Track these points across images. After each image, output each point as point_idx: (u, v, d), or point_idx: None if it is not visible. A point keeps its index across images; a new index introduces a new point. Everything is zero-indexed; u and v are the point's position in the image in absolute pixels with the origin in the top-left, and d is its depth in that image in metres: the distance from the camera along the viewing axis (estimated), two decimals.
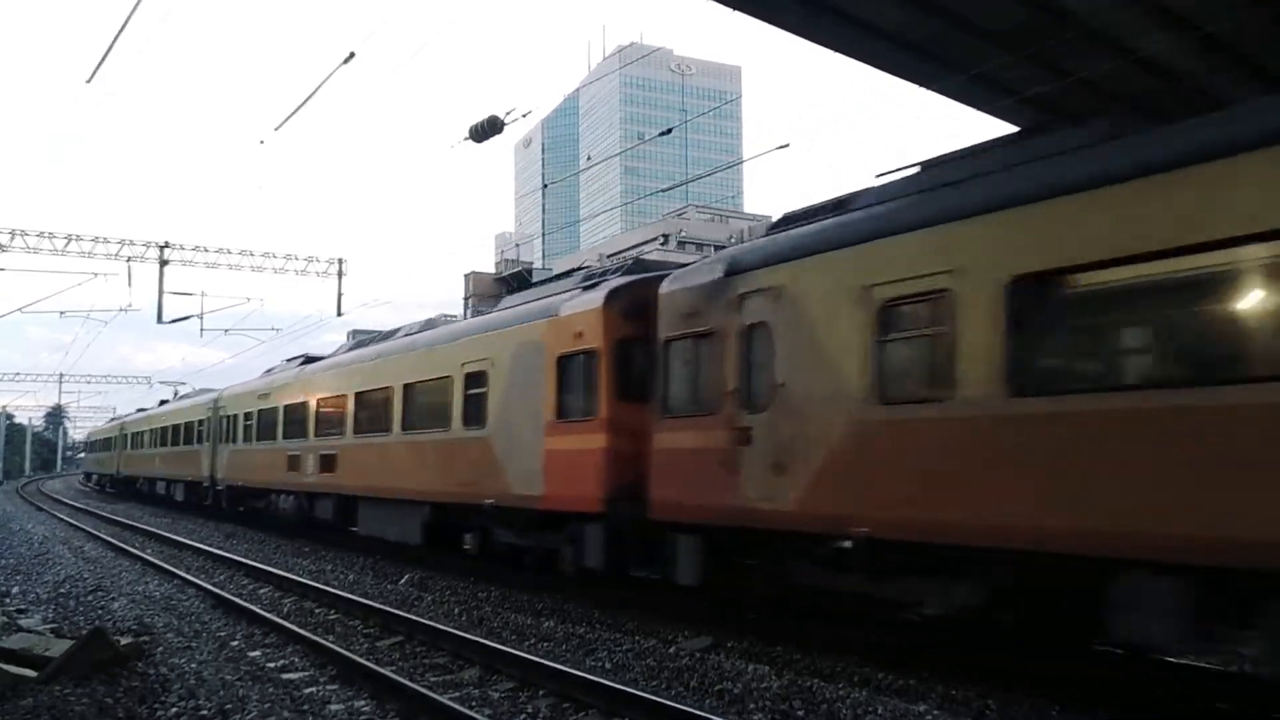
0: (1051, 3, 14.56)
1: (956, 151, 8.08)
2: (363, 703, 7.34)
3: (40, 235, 30.26)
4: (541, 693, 7.44)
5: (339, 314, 33.74)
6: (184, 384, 45.95)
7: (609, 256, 67.66)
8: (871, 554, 7.49)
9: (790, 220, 9.36)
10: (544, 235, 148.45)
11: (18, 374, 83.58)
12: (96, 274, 30.53)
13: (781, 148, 20.81)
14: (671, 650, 8.77)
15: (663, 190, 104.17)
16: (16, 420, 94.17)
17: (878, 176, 8.64)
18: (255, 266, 33.88)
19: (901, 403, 7.45)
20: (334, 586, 13.09)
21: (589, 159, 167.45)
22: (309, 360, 22.83)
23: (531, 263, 75.23)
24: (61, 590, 13.61)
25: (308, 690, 7.76)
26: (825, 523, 7.89)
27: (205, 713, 7.04)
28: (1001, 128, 19.18)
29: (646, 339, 10.21)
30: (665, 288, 10.08)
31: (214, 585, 13.57)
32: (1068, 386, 6.57)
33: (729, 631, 9.48)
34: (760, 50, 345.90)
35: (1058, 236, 6.41)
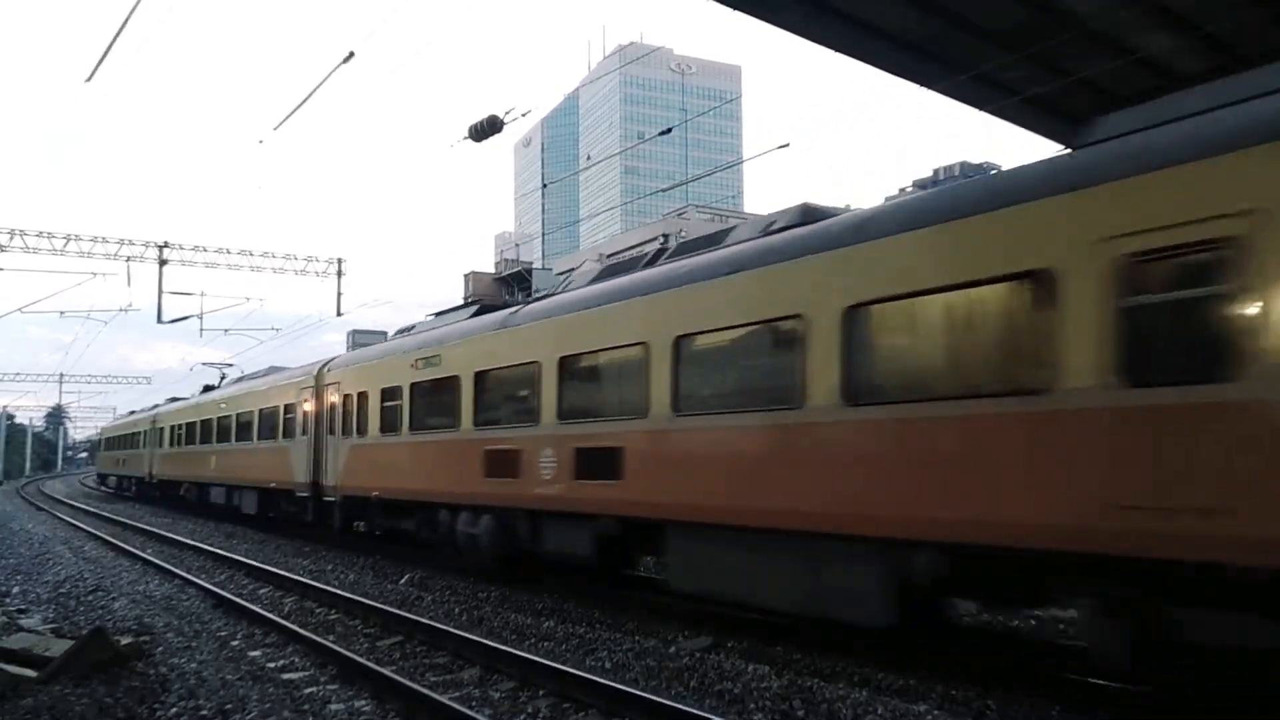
0: (1051, 3, 14.56)
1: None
2: (363, 703, 7.34)
3: (39, 235, 30.30)
4: (541, 693, 7.44)
5: (339, 314, 33.79)
6: (231, 364, 35.61)
7: (609, 256, 67.66)
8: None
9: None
10: (544, 235, 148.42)
11: (18, 374, 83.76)
12: (96, 274, 30.62)
13: (781, 148, 20.87)
14: (671, 650, 8.77)
15: (663, 190, 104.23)
16: (17, 420, 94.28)
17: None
18: (255, 266, 33.93)
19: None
20: (334, 586, 13.09)
21: (589, 159, 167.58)
22: (485, 309, 15.25)
23: (531, 262, 75.24)
24: (61, 590, 13.61)
25: (308, 690, 7.76)
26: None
27: (205, 713, 7.04)
28: (1002, 127, 19.14)
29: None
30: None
31: (214, 585, 13.57)
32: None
33: (729, 631, 9.48)
34: (760, 50, 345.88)
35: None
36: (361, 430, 17.04)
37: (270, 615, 10.82)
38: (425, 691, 7.17)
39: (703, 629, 9.68)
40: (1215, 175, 5.60)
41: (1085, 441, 6.03)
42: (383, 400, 16.25)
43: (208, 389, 32.45)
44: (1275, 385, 5.23)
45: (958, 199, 7.28)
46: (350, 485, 17.43)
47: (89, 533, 23.73)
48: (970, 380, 6.99)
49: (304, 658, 8.96)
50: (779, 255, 8.58)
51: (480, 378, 13.25)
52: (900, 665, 7.85)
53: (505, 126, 14.94)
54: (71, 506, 36.58)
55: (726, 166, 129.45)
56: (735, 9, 14.92)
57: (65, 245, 30.54)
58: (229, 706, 7.14)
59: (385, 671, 7.83)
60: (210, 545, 19.39)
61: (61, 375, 75.39)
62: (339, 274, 34.06)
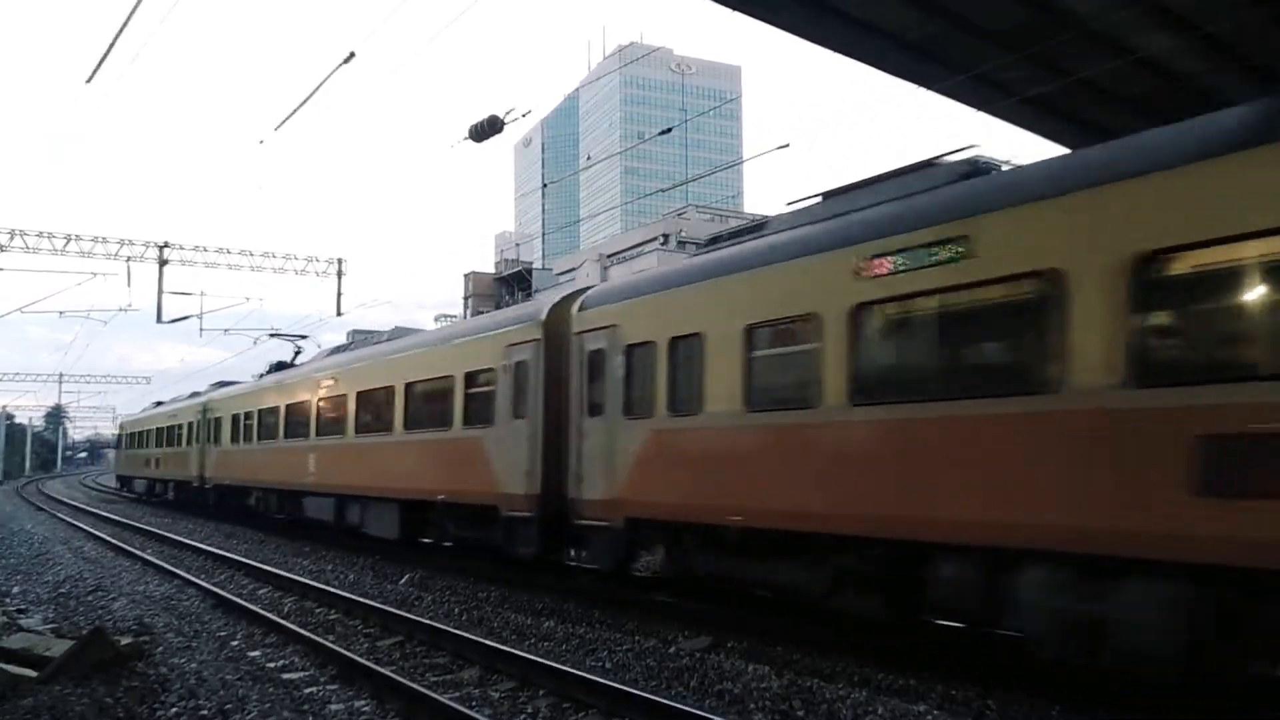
0: (1051, 3, 14.56)
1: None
2: (363, 703, 7.34)
3: (40, 235, 30.34)
4: (541, 693, 7.44)
5: (339, 314, 33.78)
6: (305, 336, 28.47)
7: (609, 256, 67.63)
8: None
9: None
10: (544, 235, 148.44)
11: (18, 374, 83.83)
12: (96, 274, 30.64)
13: (781, 148, 20.81)
14: (671, 650, 8.77)
15: (663, 190, 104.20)
16: (17, 420, 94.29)
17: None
18: (255, 266, 33.95)
19: None
20: (334, 586, 13.09)
21: (589, 159, 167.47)
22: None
23: (531, 263, 75.26)
24: (61, 590, 13.61)
25: (308, 690, 7.76)
26: None
27: (205, 713, 7.04)
28: (1003, 128, 19.13)
29: None
30: None
31: (214, 585, 13.56)
32: None
33: (729, 631, 9.48)
34: (760, 50, 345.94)
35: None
36: (685, 404, 10.02)
37: (270, 615, 10.82)
38: (425, 691, 7.17)
39: (703, 629, 9.67)
40: None
41: None
42: (751, 347, 9.24)
43: (280, 367, 25.65)
44: None
45: None
46: (645, 500, 10.57)
47: (89, 533, 23.72)
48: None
49: (304, 658, 8.95)
50: None
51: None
52: (900, 665, 7.85)
53: (505, 127, 14.91)
54: (71, 506, 36.56)
55: (726, 166, 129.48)
56: (735, 9, 14.91)
57: (65, 245, 30.57)
58: (229, 706, 7.14)
59: (385, 671, 7.83)
60: (210, 545, 19.38)
61: (61, 375, 75.45)
62: (339, 274, 34.10)
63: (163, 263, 31.44)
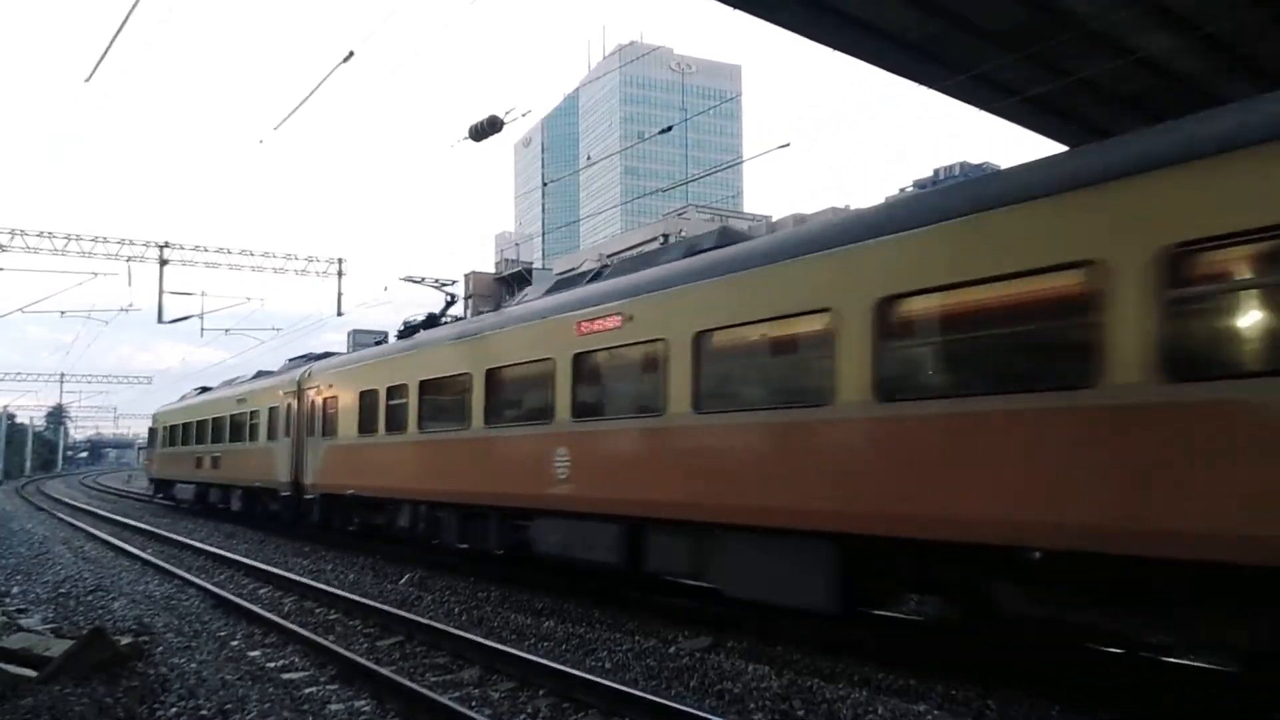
0: (1051, 3, 14.57)
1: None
2: (363, 703, 7.34)
3: (40, 235, 30.32)
4: (541, 693, 7.44)
5: (339, 314, 33.75)
6: (455, 281, 19.83)
7: (609, 256, 67.65)
8: None
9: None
10: (544, 235, 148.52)
11: (18, 374, 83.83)
12: (96, 274, 30.63)
13: (782, 147, 20.87)
14: (671, 650, 8.77)
15: (662, 190, 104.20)
16: (17, 420, 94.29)
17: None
18: (255, 266, 33.94)
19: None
20: (334, 586, 13.09)
21: (589, 159, 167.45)
22: None
23: (531, 262, 75.27)
24: (61, 590, 13.61)
25: (308, 690, 7.76)
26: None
27: (205, 713, 7.04)
28: (1004, 128, 19.14)
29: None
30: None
31: (214, 585, 13.57)
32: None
33: (729, 631, 9.48)
34: (760, 50, 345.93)
35: None
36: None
37: (270, 615, 10.82)
38: (425, 691, 7.17)
39: (703, 629, 9.68)
40: None
41: None
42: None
43: (427, 324, 17.30)
44: None
45: None
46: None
47: (89, 533, 23.72)
48: None
49: (304, 658, 8.96)
50: None
51: None
52: (900, 665, 7.85)
53: (505, 126, 14.95)
54: (71, 506, 36.58)
55: (726, 166, 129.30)
56: (735, 8, 14.92)
57: (66, 245, 30.56)
58: (229, 706, 7.14)
59: (385, 671, 7.83)
60: (210, 545, 19.38)
61: (62, 375, 75.42)
62: (339, 274, 34.08)
63: (163, 263, 31.44)
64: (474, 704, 7.21)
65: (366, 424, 16.94)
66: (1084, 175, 6.36)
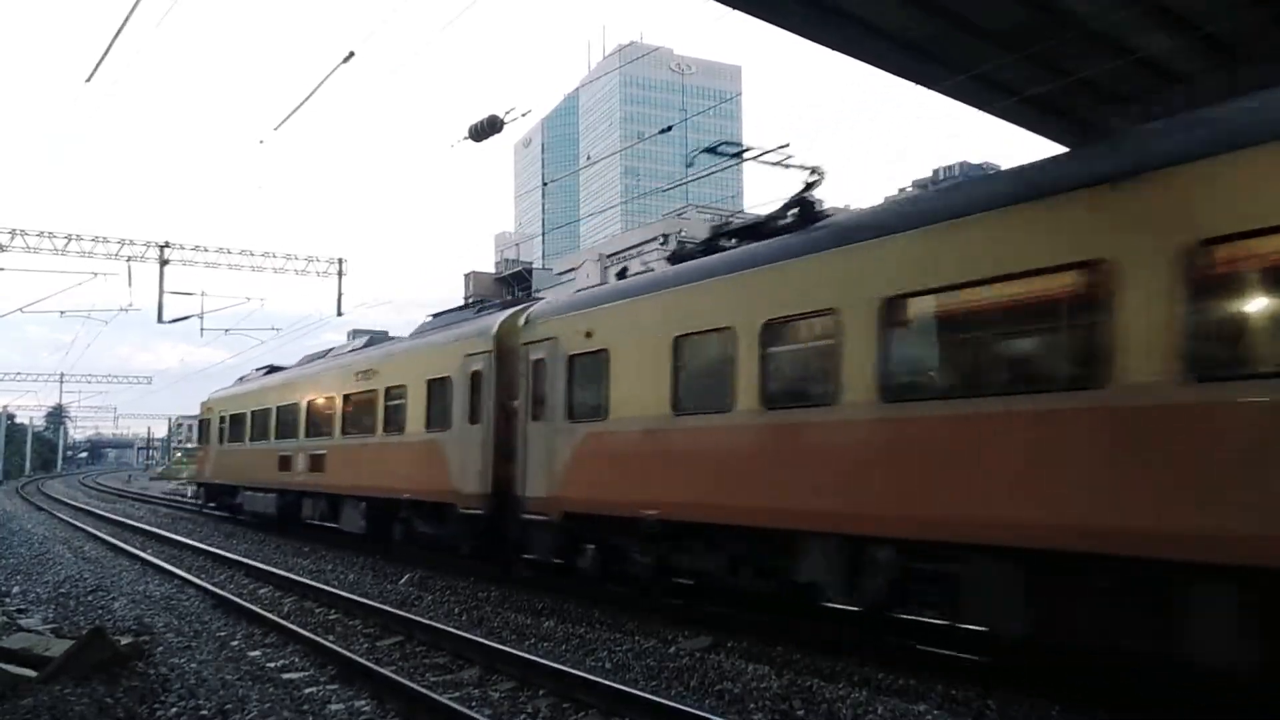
0: (1051, 3, 14.54)
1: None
2: (363, 703, 7.35)
3: (40, 235, 30.28)
4: (541, 693, 7.44)
5: (339, 314, 33.72)
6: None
7: (609, 256, 67.61)
8: None
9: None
10: (544, 235, 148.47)
11: (18, 374, 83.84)
12: (96, 274, 30.59)
13: (781, 147, 20.77)
14: (671, 650, 8.77)
15: (662, 190, 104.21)
16: (17, 420, 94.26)
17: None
18: (255, 266, 33.90)
19: None
20: (334, 586, 13.10)
21: (589, 159, 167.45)
22: None
23: (531, 262, 75.28)
24: (61, 590, 13.61)
25: (308, 690, 7.76)
26: None
27: (205, 713, 7.04)
28: (1004, 128, 19.12)
29: None
30: None
31: (214, 585, 13.57)
32: None
33: (729, 631, 9.48)
34: (760, 50, 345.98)
35: None
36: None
37: (270, 615, 10.83)
38: (425, 691, 7.18)
39: (703, 629, 9.68)
40: None
41: None
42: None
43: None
44: None
45: None
46: None
47: (89, 533, 23.72)
48: None
49: (304, 658, 8.96)
50: None
51: None
52: (900, 665, 7.85)
53: (505, 126, 14.92)
54: (71, 506, 36.57)
55: (726, 166, 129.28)
56: (735, 9, 14.90)
57: (66, 245, 30.51)
58: (229, 706, 7.14)
59: (385, 671, 7.84)
60: (210, 545, 19.38)
61: (62, 375, 75.37)
62: (339, 274, 34.05)
63: (163, 262, 31.40)
64: (474, 704, 7.21)
65: (707, 395, 9.61)
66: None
